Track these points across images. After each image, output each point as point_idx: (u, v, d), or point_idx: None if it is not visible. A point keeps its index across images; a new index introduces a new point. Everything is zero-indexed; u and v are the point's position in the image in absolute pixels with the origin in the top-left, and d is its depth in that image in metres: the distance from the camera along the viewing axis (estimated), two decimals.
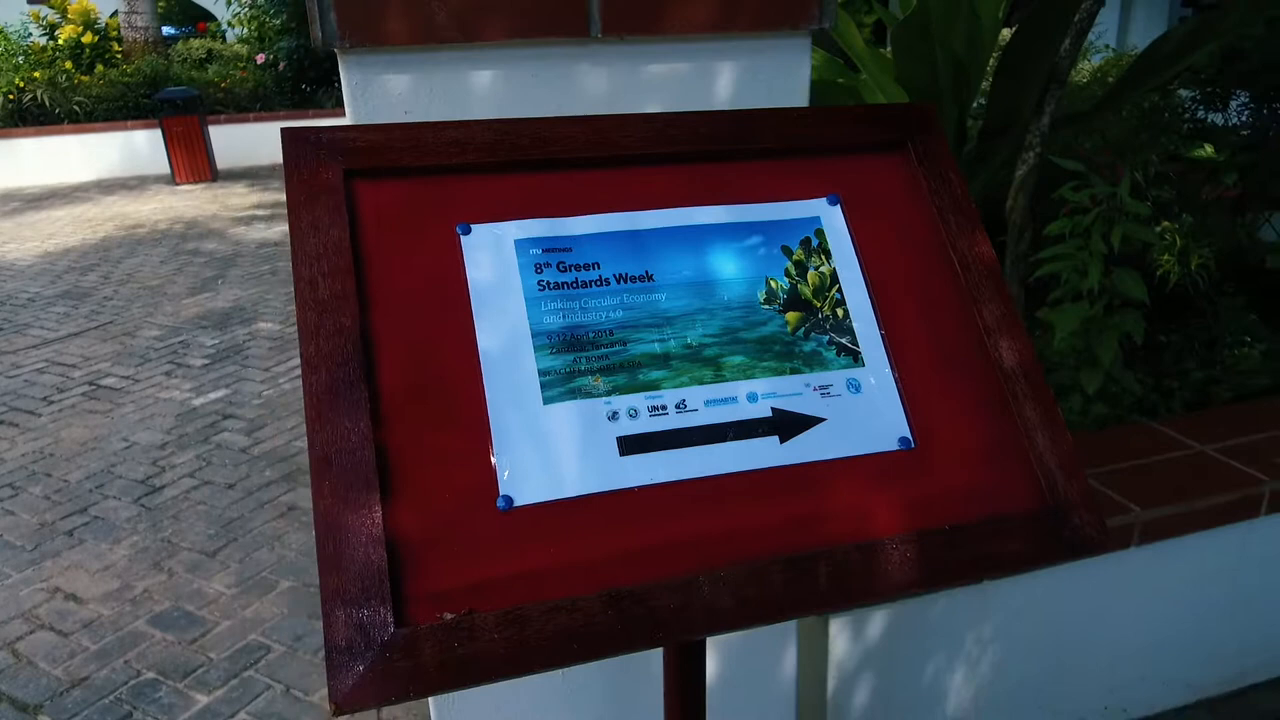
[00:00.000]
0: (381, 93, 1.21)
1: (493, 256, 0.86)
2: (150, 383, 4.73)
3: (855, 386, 0.89)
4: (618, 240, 0.90)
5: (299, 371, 4.80)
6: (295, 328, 5.55)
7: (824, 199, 0.96)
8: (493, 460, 0.79)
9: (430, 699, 1.50)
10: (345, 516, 0.72)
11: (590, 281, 0.87)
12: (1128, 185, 2.21)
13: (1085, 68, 4.02)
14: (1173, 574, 2.04)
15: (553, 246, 0.88)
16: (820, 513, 0.83)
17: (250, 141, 11.68)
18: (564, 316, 0.86)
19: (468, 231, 0.87)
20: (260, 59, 12.65)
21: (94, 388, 4.69)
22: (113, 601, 2.87)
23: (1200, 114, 3.30)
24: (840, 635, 1.86)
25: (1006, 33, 3.54)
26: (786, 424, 0.85)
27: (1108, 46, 4.89)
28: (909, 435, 0.89)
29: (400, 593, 0.72)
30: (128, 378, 4.80)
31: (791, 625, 1.63)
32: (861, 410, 0.88)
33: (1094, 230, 2.27)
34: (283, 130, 0.84)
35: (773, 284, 0.92)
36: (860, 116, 1.00)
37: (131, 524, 3.35)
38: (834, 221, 0.95)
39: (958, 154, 2.71)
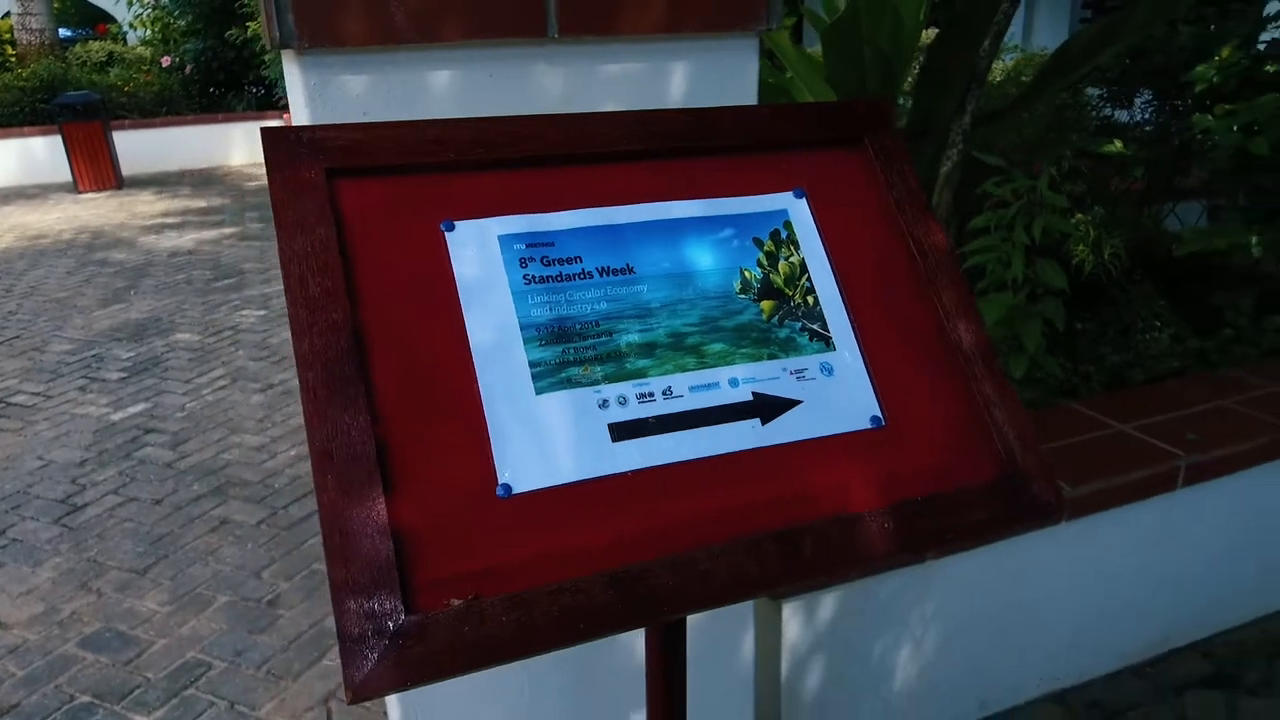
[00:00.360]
0: (340, 94, 1.21)
1: (478, 252, 0.88)
2: (64, 399, 4.56)
3: (828, 370, 0.94)
4: (598, 234, 0.93)
5: (223, 383, 4.70)
6: (215, 338, 5.41)
7: (790, 192, 1.01)
8: (490, 450, 0.81)
9: (394, 706, 1.50)
10: (350, 509, 0.73)
11: (574, 275, 0.90)
12: (1047, 180, 2.33)
13: (997, 67, 4.19)
14: (1099, 547, 2.15)
15: (535, 241, 0.90)
16: (803, 489, 0.87)
17: (157, 147, 11.30)
18: (551, 309, 0.88)
19: (451, 228, 0.88)
20: (165, 61, 12.24)
21: (3, 405, 4.49)
22: (39, 625, 2.77)
23: (1107, 111, 3.48)
24: (793, 619, 1.91)
25: (926, 35, 3.68)
26: (767, 407, 0.89)
27: (1017, 46, 5.10)
28: (880, 414, 0.94)
29: (408, 582, 0.73)
30: (39, 394, 4.61)
31: (749, 611, 1.68)
32: (835, 392, 0.93)
33: (1016, 223, 2.38)
34: (263, 130, 0.84)
35: (747, 274, 0.96)
36: (820, 114, 1.04)
37: (53, 545, 3.22)
38: (800, 214, 1.00)
39: None
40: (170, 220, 8.77)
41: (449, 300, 0.85)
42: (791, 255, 0.98)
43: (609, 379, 0.87)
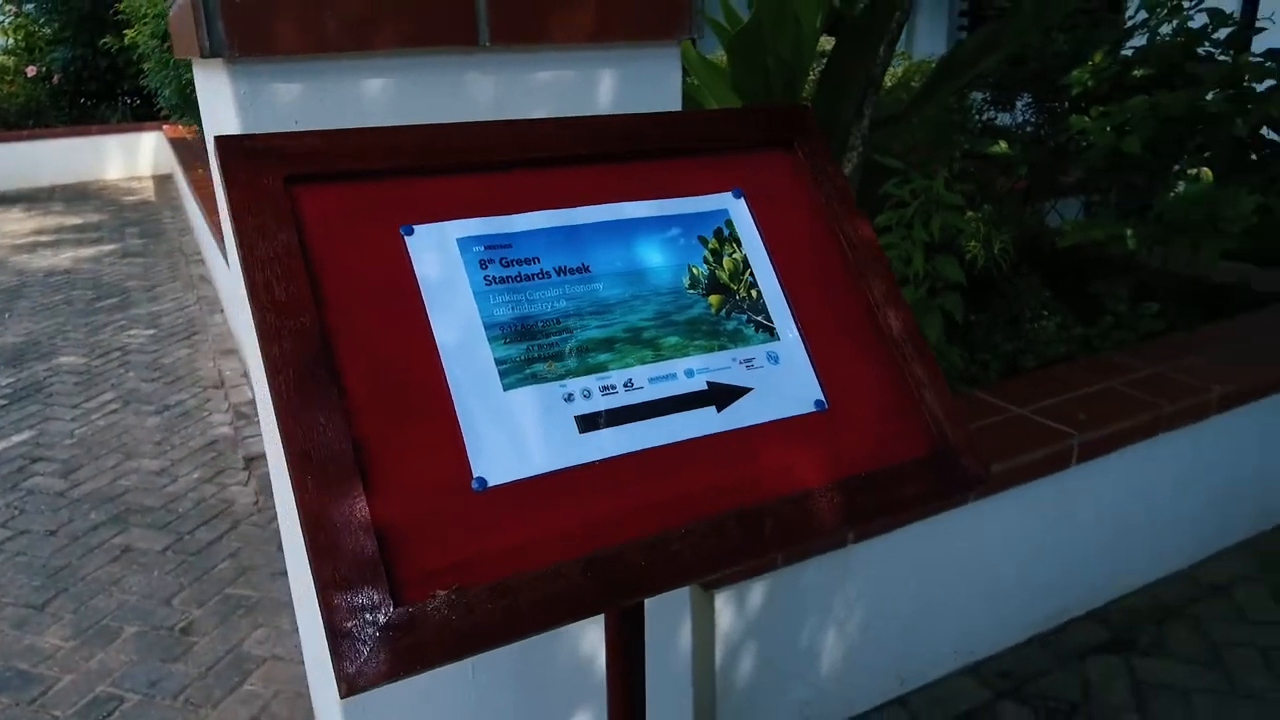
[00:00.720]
0: (271, 102, 1.21)
1: (438, 255, 0.90)
2: None
3: (774, 358, 1.00)
4: (553, 235, 0.96)
5: (114, 407, 4.50)
6: (102, 360, 5.17)
7: (729, 193, 1.06)
8: (464, 445, 0.83)
9: (335, 711, 1.48)
10: (332, 508, 0.74)
11: (532, 275, 0.93)
12: (942, 180, 2.46)
13: (887, 74, 4.38)
14: (1005, 524, 2.28)
15: (494, 244, 0.93)
16: (758, 471, 0.92)
17: (25, 161, 10.71)
18: (513, 308, 0.91)
19: (411, 232, 0.90)
20: (31, 71, 11.60)
21: None
22: None
23: (991, 114, 3.69)
24: (725, 609, 1.97)
25: (823, 42, 3.82)
26: (721, 395, 0.94)
27: (903, 53, 5.34)
28: (822, 397, 1.00)
29: (393, 576, 0.75)
30: None
31: (686, 602, 1.73)
32: (781, 378, 0.99)
33: (915, 221, 2.50)
34: (216, 138, 0.84)
35: (694, 271, 1.01)
36: (753, 118, 1.10)
37: None
38: (740, 213, 1.05)
39: None
40: (44, 238, 8.32)
41: (413, 302, 0.87)
42: (734, 252, 1.03)
43: (573, 373, 0.90)
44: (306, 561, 1.42)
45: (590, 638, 1.62)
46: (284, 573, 3.04)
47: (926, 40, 9.97)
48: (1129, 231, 2.70)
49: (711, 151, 1.07)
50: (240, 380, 4.72)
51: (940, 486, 0.97)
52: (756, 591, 2.00)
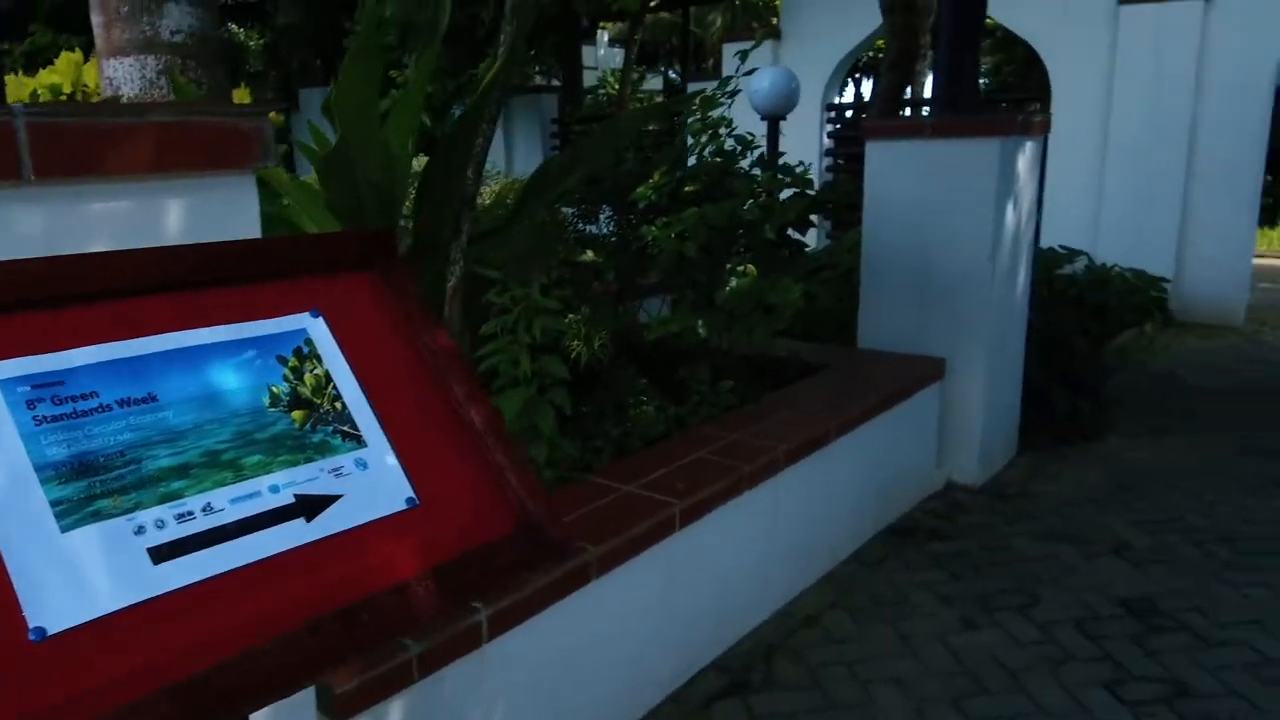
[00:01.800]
0: None
1: None
2: None
3: (362, 464, 1.05)
4: (114, 368, 0.93)
5: None
6: None
7: (307, 313, 1.11)
8: (15, 596, 0.77)
9: None
10: None
11: (90, 410, 0.90)
12: (539, 287, 2.68)
13: (487, 191, 4.67)
14: (624, 596, 2.47)
15: (42, 382, 0.89)
16: (354, 572, 0.96)
17: None
18: (69, 446, 0.87)
19: None
20: None
21: None
22: None
23: (581, 226, 4.09)
24: None
25: (418, 162, 3.99)
26: (309, 506, 0.97)
27: (499, 173, 5.73)
28: (414, 494, 1.07)
29: None
30: None
31: None
32: (371, 482, 1.04)
33: (519, 326, 2.69)
34: None
35: (274, 390, 1.04)
36: (330, 243, 1.17)
37: None
38: (319, 331, 1.10)
39: None
40: None
41: None
42: (316, 368, 1.08)
43: (143, 505, 0.89)
44: None
45: None
46: None
47: (525, 160, 10.82)
48: (700, 322, 3.12)
49: (290, 275, 1.11)
50: None
51: (529, 555, 1.07)
52: (394, 712, 1.96)
